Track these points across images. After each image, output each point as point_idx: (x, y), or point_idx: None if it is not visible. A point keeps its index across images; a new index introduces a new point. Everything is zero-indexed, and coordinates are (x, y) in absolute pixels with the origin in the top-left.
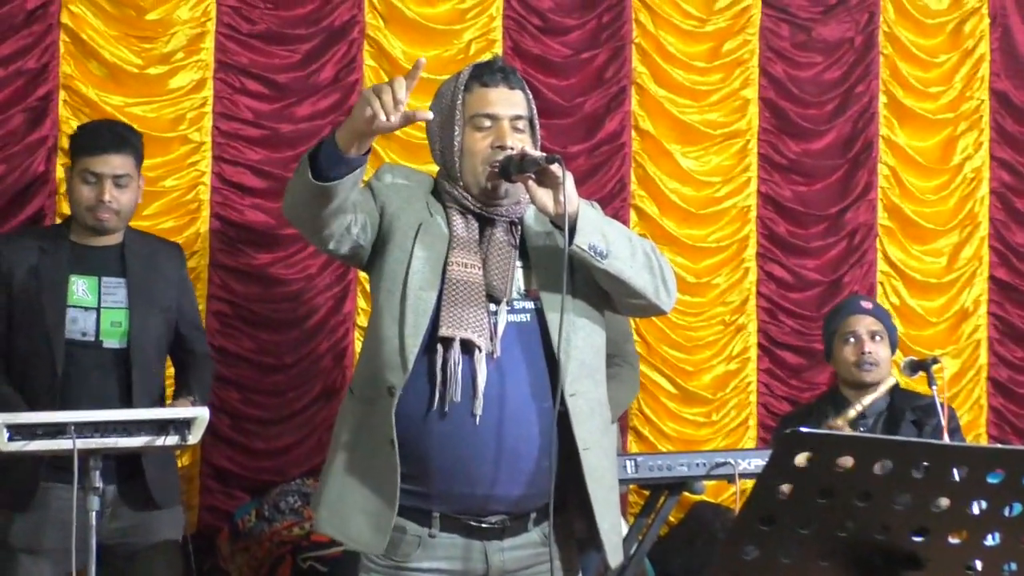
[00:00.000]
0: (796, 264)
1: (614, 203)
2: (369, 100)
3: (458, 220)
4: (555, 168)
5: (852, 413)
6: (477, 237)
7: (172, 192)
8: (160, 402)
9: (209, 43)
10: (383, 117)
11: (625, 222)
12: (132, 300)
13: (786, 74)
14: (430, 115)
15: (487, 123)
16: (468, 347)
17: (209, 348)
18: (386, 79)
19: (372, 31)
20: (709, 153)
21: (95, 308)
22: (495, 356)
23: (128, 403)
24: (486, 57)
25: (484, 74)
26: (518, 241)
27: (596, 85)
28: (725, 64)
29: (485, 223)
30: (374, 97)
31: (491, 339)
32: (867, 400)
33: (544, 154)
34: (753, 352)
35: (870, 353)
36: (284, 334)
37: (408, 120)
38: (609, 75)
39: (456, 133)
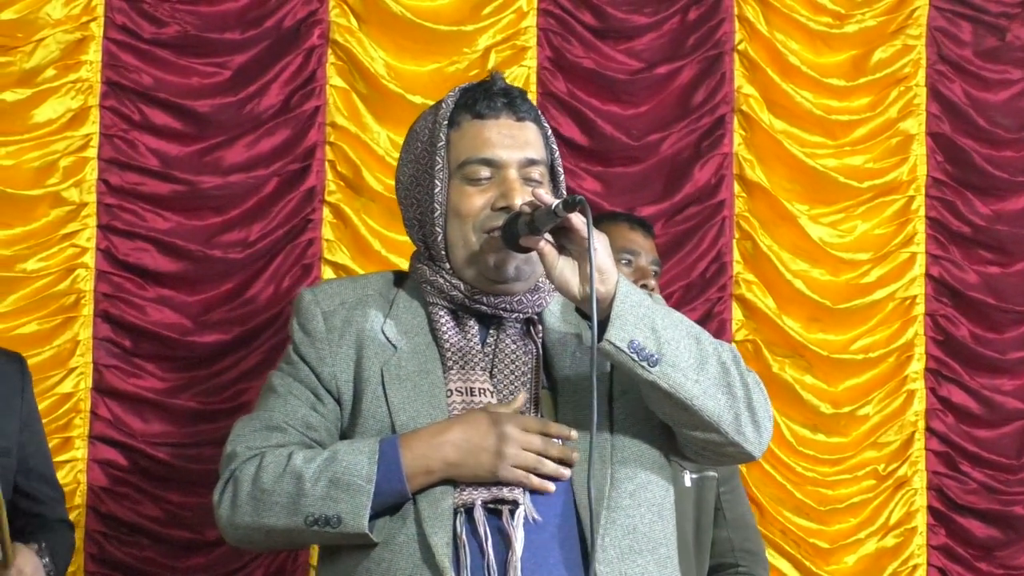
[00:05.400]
0: (986, 386)
1: (708, 292)
2: (523, 481)
3: (447, 322)
4: (576, 219)
5: None
6: (479, 346)
7: (36, 279)
8: None
9: (94, 54)
10: (552, 488)
11: (724, 322)
12: None
13: (968, 97)
14: (573, 453)
15: (484, 173)
16: (494, 509)
17: (69, 517)
18: (363, 108)
19: (340, 34)
20: (852, 217)
21: None
22: (532, 519)
23: None
24: (525, 76)
25: (478, 100)
26: (539, 348)
27: (680, 115)
28: (876, 82)
29: (487, 324)
30: (527, 477)
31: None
32: None
33: (556, 200)
34: (921, 519)
35: None
36: (206, 494)
37: None
38: (699, 99)
39: (438, 189)
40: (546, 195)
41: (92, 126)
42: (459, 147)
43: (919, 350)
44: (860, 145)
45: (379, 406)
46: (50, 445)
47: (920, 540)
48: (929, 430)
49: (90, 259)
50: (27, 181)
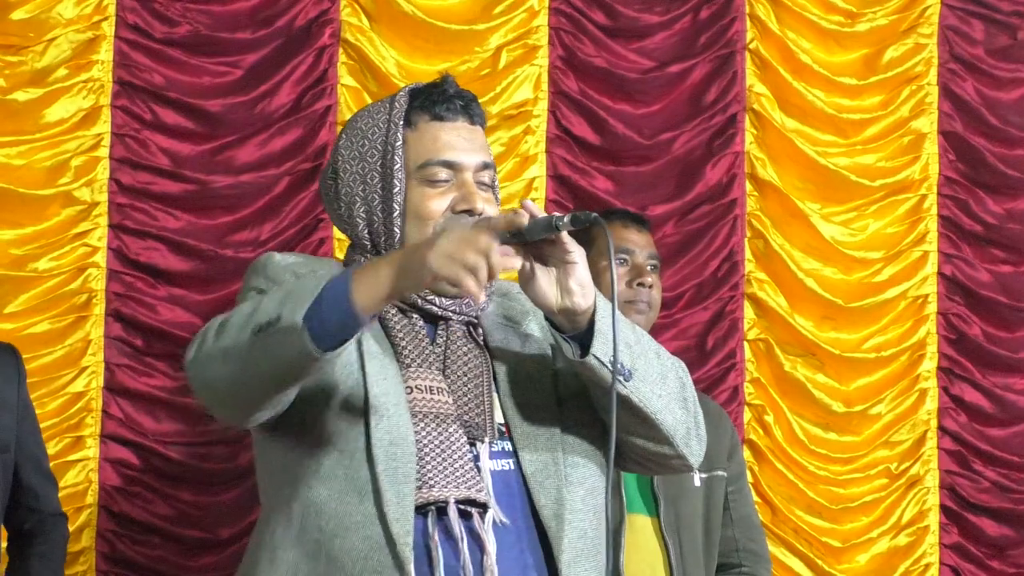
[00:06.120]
0: (998, 384)
1: (720, 291)
2: (457, 275)
3: (399, 320)
4: (565, 236)
5: None
6: (429, 346)
7: (48, 279)
8: None
9: (106, 54)
10: (482, 300)
11: (736, 320)
12: None
13: (980, 96)
14: (517, 263)
15: (443, 175)
16: (464, 511)
17: (63, 510)
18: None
19: (351, 34)
20: (864, 216)
21: None
22: (500, 523)
23: None
24: (530, 75)
25: (436, 102)
26: (485, 350)
27: (691, 113)
28: (888, 81)
29: (434, 324)
30: (466, 273)
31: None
32: None
33: (559, 213)
34: (934, 518)
35: None
36: (218, 494)
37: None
38: (711, 98)
39: (397, 190)
40: (535, 207)
41: (104, 125)
42: (417, 148)
43: (931, 349)
44: (872, 144)
45: (351, 374)
46: (61, 444)
47: (932, 539)
48: (941, 429)
49: (101, 258)
50: (39, 180)
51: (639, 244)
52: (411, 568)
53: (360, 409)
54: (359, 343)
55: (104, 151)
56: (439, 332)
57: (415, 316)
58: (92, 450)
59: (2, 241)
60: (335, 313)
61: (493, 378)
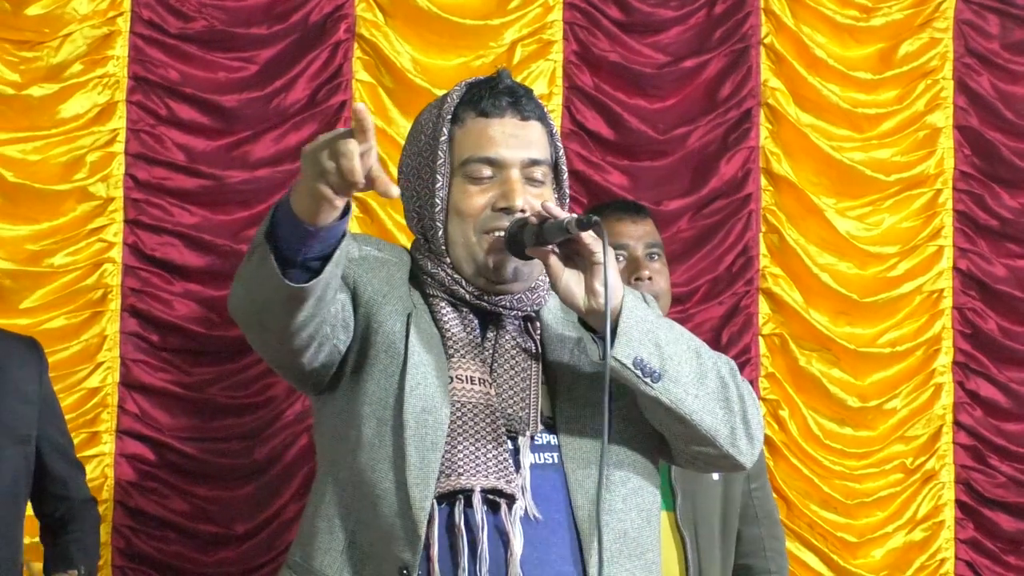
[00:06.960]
0: (1014, 379)
1: (735, 286)
2: (309, 180)
3: (449, 314)
4: (588, 237)
5: None
6: (479, 339)
7: (63, 274)
8: None
9: (121, 49)
10: (337, 203)
11: (751, 316)
12: None
13: (995, 91)
14: (396, 192)
15: (486, 172)
16: (492, 501)
17: (92, 495)
18: (389, 102)
19: (367, 29)
20: (879, 210)
21: None
22: (533, 517)
23: None
24: (553, 71)
25: (483, 98)
26: (538, 346)
27: (706, 108)
28: (902, 75)
29: (487, 319)
30: (318, 176)
31: (522, 490)
32: None
33: (572, 215)
34: (949, 513)
35: None
36: (234, 489)
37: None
38: (726, 93)
39: (439, 185)
40: (556, 208)
41: (119, 121)
42: (463, 144)
43: (947, 343)
44: (887, 138)
45: (395, 345)
46: (77, 440)
47: (948, 534)
48: (957, 424)
49: (117, 254)
50: (54, 176)
51: (635, 236)
52: (422, 532)
53: (397, 382)
54: (408, 319)
55: (119, 147)
56: (490, 327)
57: (465, 310)
58: (108, 445)
59: (18, 236)
60: (286, 222)
61: (545, 373)
